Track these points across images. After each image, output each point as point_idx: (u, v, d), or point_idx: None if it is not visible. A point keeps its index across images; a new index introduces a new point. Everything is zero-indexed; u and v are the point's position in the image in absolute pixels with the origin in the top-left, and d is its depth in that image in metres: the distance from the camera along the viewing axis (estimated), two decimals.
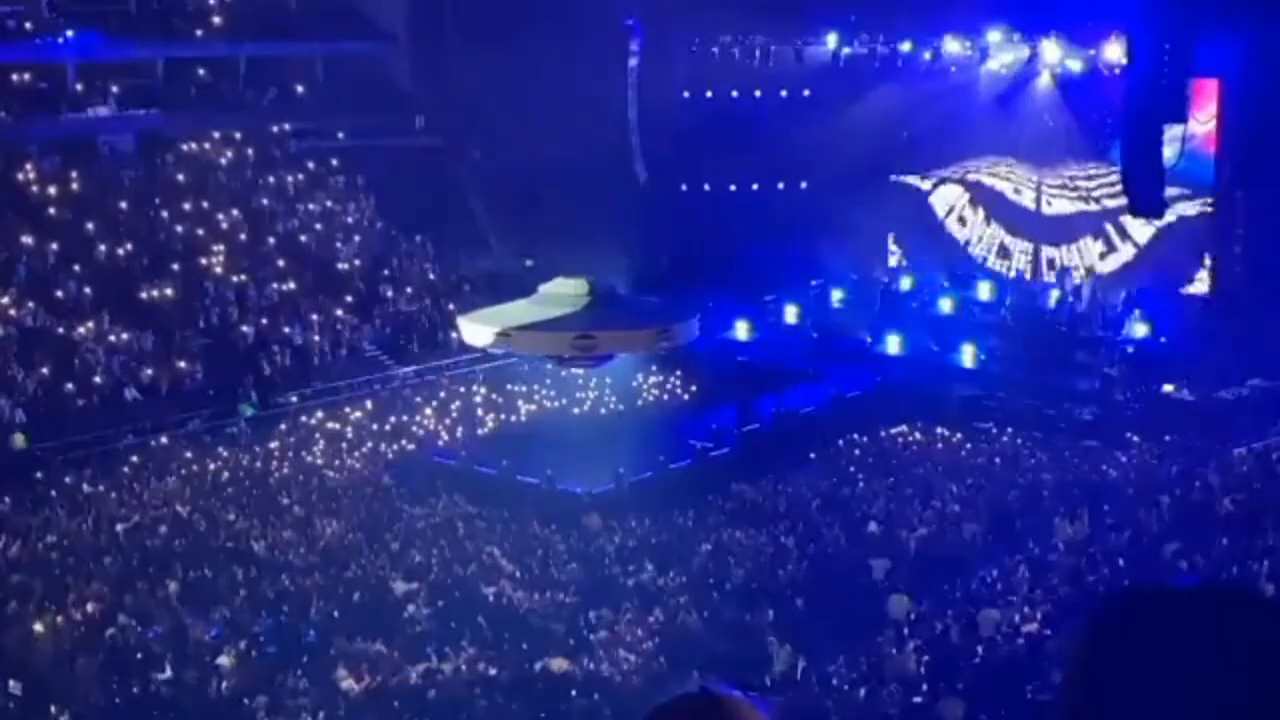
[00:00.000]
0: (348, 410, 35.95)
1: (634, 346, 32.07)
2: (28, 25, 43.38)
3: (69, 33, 43.51)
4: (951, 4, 40.58)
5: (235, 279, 40.36)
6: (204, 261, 40.64)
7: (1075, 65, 38.75)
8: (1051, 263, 40.96)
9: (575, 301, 30.73)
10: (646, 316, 32.37)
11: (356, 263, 43.17)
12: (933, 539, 25.62)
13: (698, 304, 40.86)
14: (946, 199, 43.49)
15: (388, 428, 34.54)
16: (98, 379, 35.16)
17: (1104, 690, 1.83)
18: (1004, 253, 42.26)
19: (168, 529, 26.78)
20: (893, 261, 43.65)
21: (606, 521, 27.54)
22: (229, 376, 36.33)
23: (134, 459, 31.95)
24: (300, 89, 48.01)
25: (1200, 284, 37.70)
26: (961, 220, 43.29)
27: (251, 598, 23.47)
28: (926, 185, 43.72)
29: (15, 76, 43.40)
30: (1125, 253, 39.47)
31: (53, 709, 19.51)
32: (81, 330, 36.60)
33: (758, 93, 44.11)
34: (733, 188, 45.03)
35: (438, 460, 32.22)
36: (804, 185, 44.55)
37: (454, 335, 40.56)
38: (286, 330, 39.04)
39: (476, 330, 31.41)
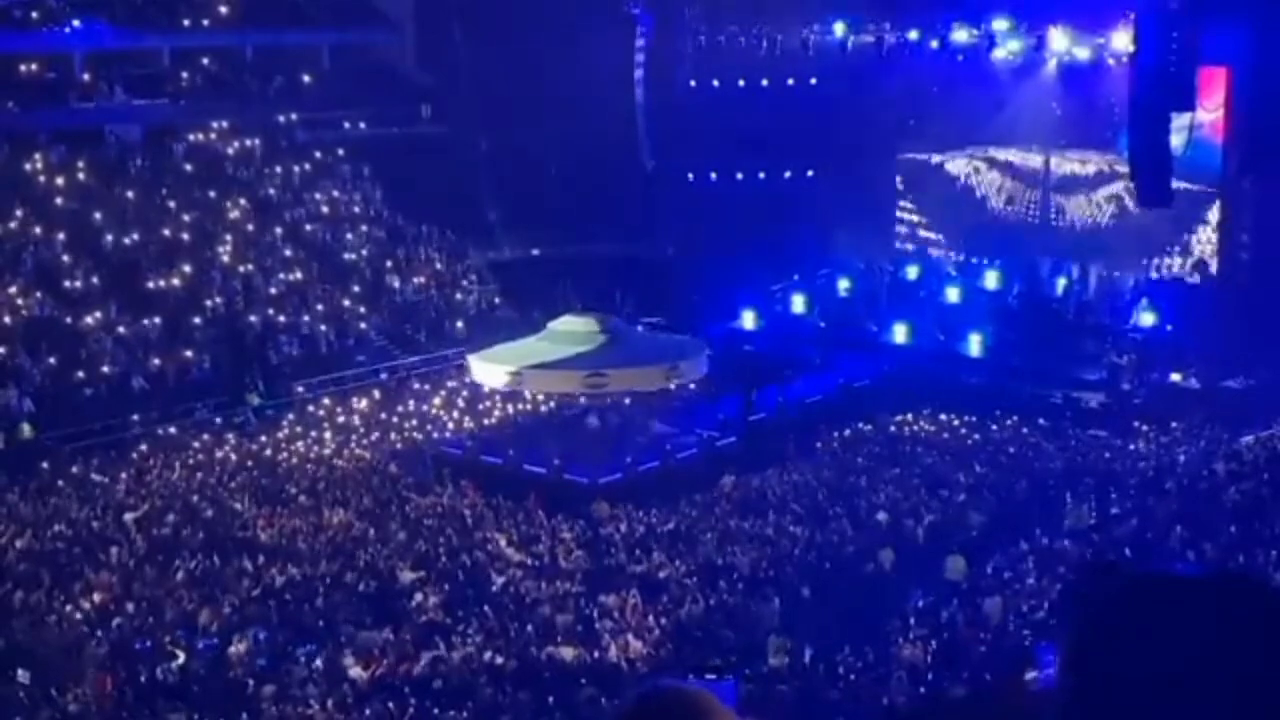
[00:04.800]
0: (354, 399, 36.01)
1: (645, 384, 32.13)
2: (34, 15, 43.40)
3: (75, 22, 43.53)
4: None
5: (242, 268, 40.40)
6: (211, 251, 40.66)
7: (1082, 54, 38.63)
8: (1061, 210, 40.74)
9: (585, 339, 31.01)
10: (656, 353, 32.48)
11: (363, 252, 43.21)
12: (940, 528, 25.61)
13: (703, 293, 41.09)
14: (954, 169, 43.33)
15: (395, 417, 34.59)
16: (105, 368, 35.21)
17: (1106, 677, 1.82)
18: (1010, 200, 42.07)
19: (175, 518, 26.83)
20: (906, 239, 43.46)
21: (613, 510, 27.57)
22: (236, 366, 36.38)
23: (141, 448, 32.05)
24: (307, 78, 48.01)
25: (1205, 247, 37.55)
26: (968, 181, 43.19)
27: (259, 586, 23.53)
28: (935, 159, 43.52)
29: (22, 67, 43.46)
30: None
31: (60, 698, 19.56)
32: (89, 320, 36.65)
33: (765, 81, 44.02)
34: (739, 176, 45.01)
35: (445, 449, 32.25)
36: (810, 174, 44.54)
37: (459, 325, 40.72)
38: (293, 319, 39.08)
39: (488, 369, 31.67)
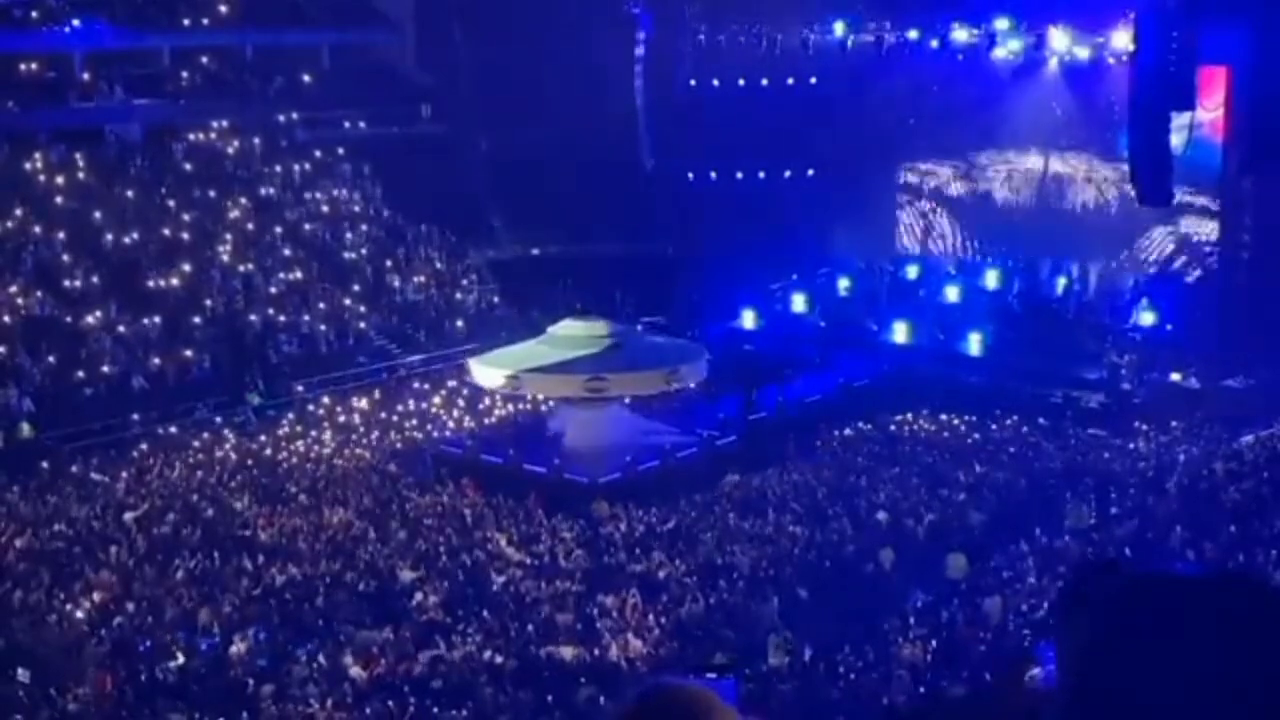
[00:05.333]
0: (354, 399, 36.01)
1: (645, 388, 32.24)
2: (34, 14, 43.40)
3: (75, 22, 43.53)
4: None
5: (242, 268, 40.40)
6: (211, 250, 40.67)
7: (1083, 53, 38.63)
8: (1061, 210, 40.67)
9: (585, 343, 31.21)
10: (656, 358, 32.62)
11: (363, 251, 43.21)
12: (940, 527, 25.60)
13: (703, 293, 41.11)
14: (952, 168, 43.26)
15: (394, 416, 34.60)
16: (105, 368, 35.23)
17: (1108, 678, 1.82)
18: (1009, 199, 42.00)
19: (175, 517, 26.83)
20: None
21: (613, 509, 27.56)
22: (236, 365, 36.39)
23: (142, 447, 32.05)
24: (307, 78, 48.01)
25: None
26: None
27: (259, 586, 23.53)
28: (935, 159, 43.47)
29: (22, 66, 43.46)
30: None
31: (60, 697, 19.55)
32: (89, 319, 36.66)
33: (764, 81, 44.04)
34: (739, 176, 45.02)
35: (445, 449, 32.26)
36: (810, 173, 44.54)
37: (459, 324, 40.73)
38: (293, 319, 39.09)
39: (488, 373, 31.76)
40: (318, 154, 46.36)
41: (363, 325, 39.99)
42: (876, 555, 24.19)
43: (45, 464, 30.66)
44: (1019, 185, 41.99)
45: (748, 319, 40.75)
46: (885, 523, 25.90)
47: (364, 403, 35.77)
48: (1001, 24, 39.49)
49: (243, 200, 43.08)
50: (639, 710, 2.10)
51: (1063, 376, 34.89)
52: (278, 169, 45.25)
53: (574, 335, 32.04)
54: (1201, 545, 21.85)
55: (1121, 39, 35.67)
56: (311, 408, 35.38)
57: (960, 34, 40.41)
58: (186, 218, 41.56)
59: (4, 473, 29.79)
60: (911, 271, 42.39)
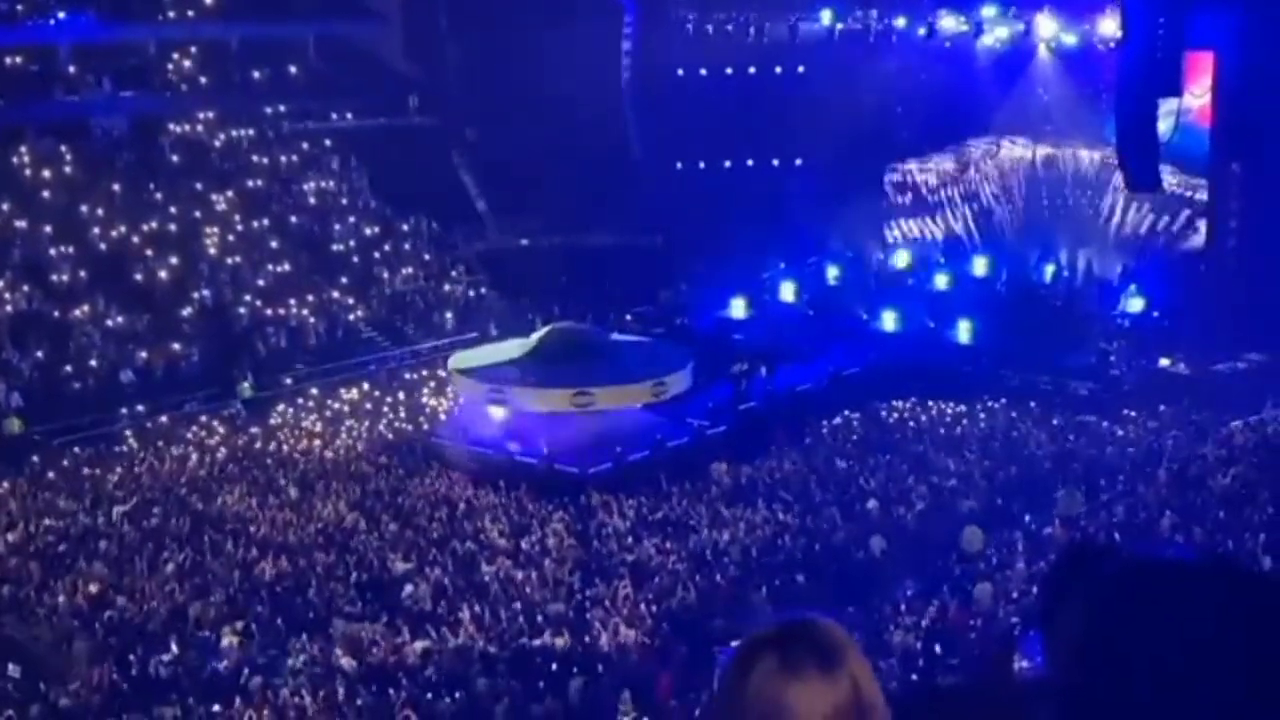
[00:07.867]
0: (344, 390, 35.98)
1: (631, 400, 32.27)
2: (19, 7, 43.23)
3: (61, 14, 43.36)
4: None
5: (230, 260, 40.31)
6: (198, 243, 40.56)
7: (1070, 39, 38.66)
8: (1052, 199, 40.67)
9: (571, 353, 31.15)
10: (642, 368, 32.67)
11: (351, 243, 43.11)
12: (930, 515, 25.62)
13: (692, 282, 41.06)
14: (942, 156, 43.24)
15: (384, 408, 34.57)
16: (93, 362, 35.16)
17: (1097, 664, 1.82)
18: (1000, 187, 41.97)
19: (165, 510, 26.79)
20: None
21: (604, 499, 27.55)
22: (225, 358, 36.34)
23: (131, 441, 31.98)
24: (293, 70, 47.88)
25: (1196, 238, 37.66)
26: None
27: (250, 578, 23.50)
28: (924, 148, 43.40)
29: (7, 59, 43.26)
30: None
31: (51, 692, 19.52)
32: (77, 313, 36.58)
33: (752, 69, 44.03)
34: (728, 164, 44.99)
35: (435, 440, 32.21)
36: (799, 162, 44.52)
37: (448, 316, 40.68)
38: (282, 311, 39.01)
39: (471, 385, 31.75)
40: (305, 146, 46.24)
41: (351, 317, 39.93)
42: (867, 543, 24.21)
43: (35, 458, 30.61)
44: (1007, 172, 41.99)
45: (737, 308, 40.73)
46: (875, 511, 25.92)
47: (353, 394, 35.74)
48: (988, 11, 39.48)
49: (230, 193, 42.97)
50: (785, 631, 2.16)
51: (1052, 363, 34.93)
52: (265, 161, 45.13)
53: (559, 344, 32.18)
54: (1190, 530, 21.90)
55: (1108, 25, 35.69)
56: (301, 400, 35.34)
57: (948, 21, 40.41)
58: (174, 210, 41.43)
59: None
60: (900, 259, 42.40)
